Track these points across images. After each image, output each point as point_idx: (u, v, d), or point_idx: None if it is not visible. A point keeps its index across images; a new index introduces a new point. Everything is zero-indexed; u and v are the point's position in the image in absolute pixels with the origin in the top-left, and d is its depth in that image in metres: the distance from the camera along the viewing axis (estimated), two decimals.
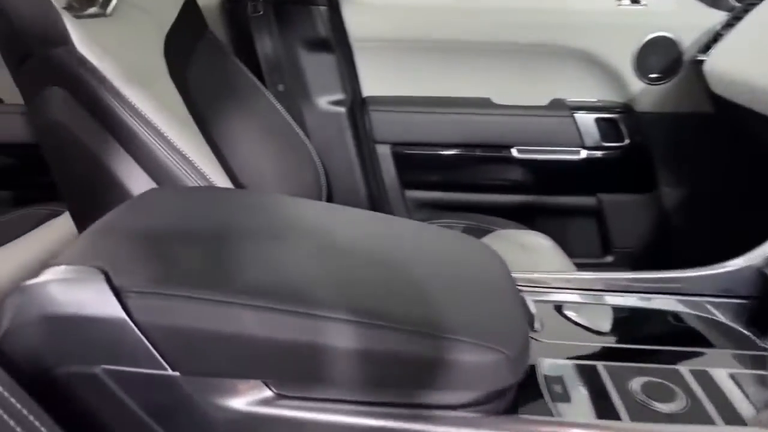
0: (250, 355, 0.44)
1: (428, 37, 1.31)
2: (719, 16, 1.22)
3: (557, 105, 1.32)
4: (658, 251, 1.36)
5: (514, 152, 1.32)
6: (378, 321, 0.44)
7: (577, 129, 1.30)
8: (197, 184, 0.75)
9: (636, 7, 1.27)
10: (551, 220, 1.38)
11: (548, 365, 0.56)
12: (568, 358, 0.57)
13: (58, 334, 0.43)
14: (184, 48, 1.08)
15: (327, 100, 1.30)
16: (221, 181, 0.85)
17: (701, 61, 1.20)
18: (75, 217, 0.76)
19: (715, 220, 1.33)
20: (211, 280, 0.45)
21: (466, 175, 1.36)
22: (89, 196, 0.73)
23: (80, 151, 0.71)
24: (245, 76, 1.19)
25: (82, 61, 0.72)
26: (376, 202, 1.36)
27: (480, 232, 1.18)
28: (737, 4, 1.22)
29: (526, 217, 1.36)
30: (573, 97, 1.32)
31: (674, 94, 1.27)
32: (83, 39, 0.75)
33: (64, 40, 0.71)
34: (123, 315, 0.43)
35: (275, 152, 1.19)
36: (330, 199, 1.30)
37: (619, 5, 1.28)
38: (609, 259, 1.38)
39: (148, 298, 0.43)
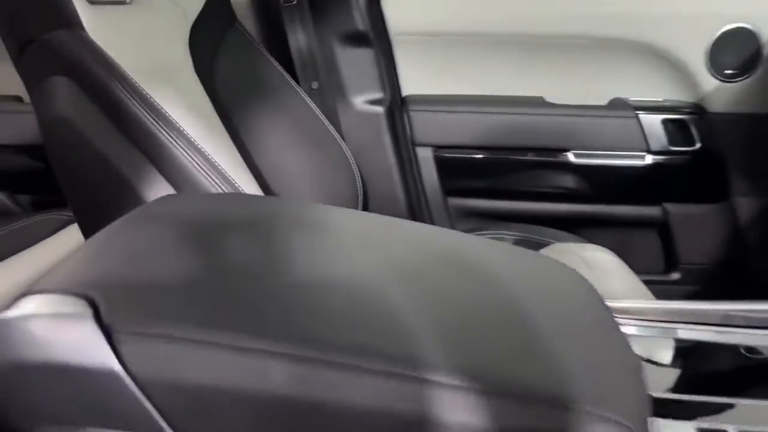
0: (283, 422, 0.32)
1: (475, 30, 1.19)
2: None
3: (619, 105, 1.19)
4: (731, 269, 1.22)
5: (570, 157, 1.19)
6: (498, 388, 0.32)
7: (642, 131, 1.16)
8: (222, 190, 0.64)
9: None
10: (610, 233, 1.25)
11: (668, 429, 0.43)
12: (689, 419, 0.45)
13: (33, 387, 0.33)
14: (210, 40, 0.98)
15: (364, 99, 1.20)
16: (249, 186, 0.75)
17: None
18: (82, 227, 0.67)
19: None
20: (235, 319, 0.34)
21: (515, 181, 1.24)
22: (97, 203, 0.64)
23: (87, 150, 0.62)
24: (276, 72, 1.09)
25: (93, 48, 0.63)
26: (416, 210, 1.25)
27: (533, 245, 1.06)
28: None
29: (581, 229, 1.24)
30: (636, 96, 1.19)
31: (753, 92, 1.13)
32: (96, 24, 0.66)
33: (74, 22, 0.61)
34: (115, 364, 0.32)
35: (308, 155, 1.09)
36: (366, 206, 1.19)
37: None
38: (675, 276, 1.24)
39: (148, 342, 0.33)
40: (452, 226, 1.26)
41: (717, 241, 1.21)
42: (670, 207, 1.20)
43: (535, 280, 0.48)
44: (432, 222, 1.26)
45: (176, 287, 0.36)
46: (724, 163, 1.17)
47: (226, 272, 0.39)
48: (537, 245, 1.05)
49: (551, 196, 1.24)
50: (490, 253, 0.51)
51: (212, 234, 0.43)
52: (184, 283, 0.36)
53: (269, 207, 0.52)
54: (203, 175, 0.64)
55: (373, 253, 0.44)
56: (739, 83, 1.13)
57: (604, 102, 1.21)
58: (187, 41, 0.91)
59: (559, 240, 1.08)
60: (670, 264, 1.24)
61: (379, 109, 1.20)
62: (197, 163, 0.64)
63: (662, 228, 1.22)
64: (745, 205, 1.18)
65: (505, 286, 0.43)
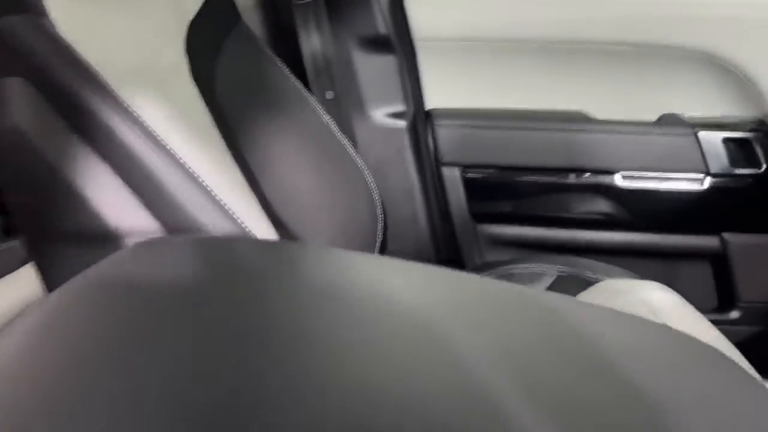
0: None
1: (509, 35, 1.06)
2: None
3: (672, 121, 1.05)
4: None
5: (617, 179, 1.05)
6: None
7: (701, 151, 1.02)
8: (219, 226, 0.50)
9: None
10: (660, 265, 1.10)
11: None
12: None
13: None
14: (210, 42, 0.85)
15: (385, 112, 1.06)
16: (253, 215, 0.61)
17: None
18: (41, 271, 0.52)
19: None
20: None
21: (552, 206, 1.09)
22: (57, 242, 0.49)
23: (46, 172, 0.48)
24: (286, 80, 0.95)
25: (58, 41, 0.49)
26: (441, 237, 1.10)
27: (580, 282, 0.91)
28: None
29: (627, 260, 1.09)
30: (690, 111, 1.05)
31: None
32: (65, 12, 0.52)
33: (33, 6, 0.47)
34: None
35: (320, 174, 0.94)
36: (385, 232, 1.05)
37: None
38: (734, 314, 1.09)
39: None
40: (482, 256, 1.12)
41: None
42: (729, 237, 1.05)
43: (681, 371, 0.33)
44: (458, 250, 1.11)
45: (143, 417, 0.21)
46: None
47: (233, 381, 0.24)
48: (584, 282, 0.91)
49: (593, 223, 1.09)
50: (609, 330, 0.37)
51: (212, 308, 0.29)
52: (159, 406, 0.21)
53: (280, 264, 0.37)
54: (197, 207, 0.50)
55: (442, 351, 0.29)
56: None
57: (653, 117, 1.07)
58: (183, 43, 0.77)
59: (609, 275, 0.94)
60: (728, 301, 1.09)
61: (402, 124, 1.06)
62: (189, 191, 0.51)
63: (720, 260, 1.08)
64: None
65: (650, 389, 0.29)
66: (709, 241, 1.07)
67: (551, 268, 0.97)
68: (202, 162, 0.56)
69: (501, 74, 1.09)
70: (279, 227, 0.74)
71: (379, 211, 1.01)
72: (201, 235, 0.47)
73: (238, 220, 0.54)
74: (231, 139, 0.70)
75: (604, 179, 1.06)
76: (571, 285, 0.90)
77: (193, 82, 0.73)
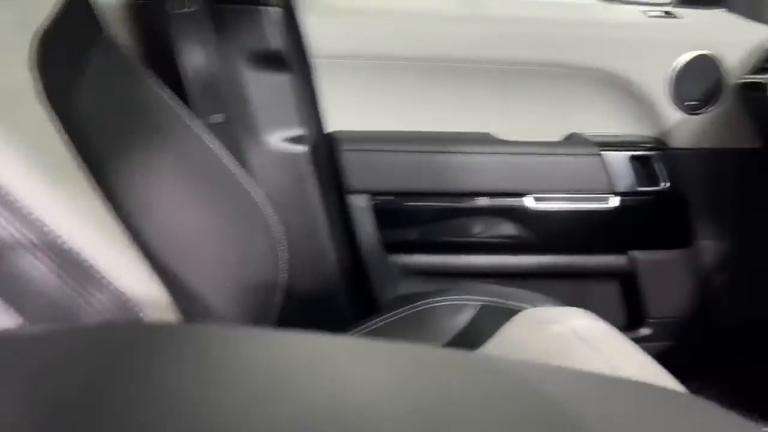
0: None
1: (413, 53, 1.00)
2: (764, 32, 0.99)
3: (577, 141, 1.04)
4: (699, 321, 1.09)
5: (528, 201, 1.02)
6: None
7: (606, 171, 1.02)
8: (95, 306, 0.37)
9: (669, 20, 1.03)
10: (571, 286, 1.08)
11: None
12: None
13: None
14: (67, 58, 0.69)
15: (281, 137, 0.95)
16: (136, 275, 0.48)
17: (748, 84, 0.97)
18: None
19: (763, 282, 1.08)
20: None
21: (466, 231, 1.04)
22: None
23: None
24: (162, 102, 0.81)
25: None
26: (350, 271, 1.01)
27: (503, 312, 0.85)
28: None
29: (541, 283, 1.06)
30: (594, 130, 1.05)
31: (715, 126, 1.02)
32: None
33: None
34: None
35: (210, 211, 0.81)
36: (288, 270, 0.93)
37: (650, 17, 1.03)
38: (644, 331, 1.09)
39: None
40: (395, 289, 1.03)
41: (687, 292, 1.08)
42: (636, 255, 1.06)
43: None
44: (370, 285, 1.02)
45: None
46: (690, 204, 1.05)
47: None
48: (509, 311, 0.85)
49: (506, 247, 1.05)
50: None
51: None
52: None
53: (174, 363, 0.26)
54: (50, 272, 0.37)
55: None
56: (702, 116, 1.02)
57: (559, 137, 1.05)
58: (31, 58, 0.62)
59: (529, 302, 0.89)
60: (638, 319, 1.10)
61: (301, 149, 0.95)
62: (38, 250, 0.37)
63: (628, 278, 1.08)
64: (708, 250, 1.06)
65: None
66: (617, 260, 1.06)
67: (473, 299, 0.90)
68: (59, 211, 0.43)
69: (407, 94, 1.02)
70: (168, 280, 0.60)
71: (279, 247, 0.89)
72: (57, 327, 0.34)
73: (116, 290, 0.41)
74: (98, 176, 0.56)
75: (514, 202, 1.02)
76: (495, 315, 0.84)
77: (46, 108, 0.58)
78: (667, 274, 1.07)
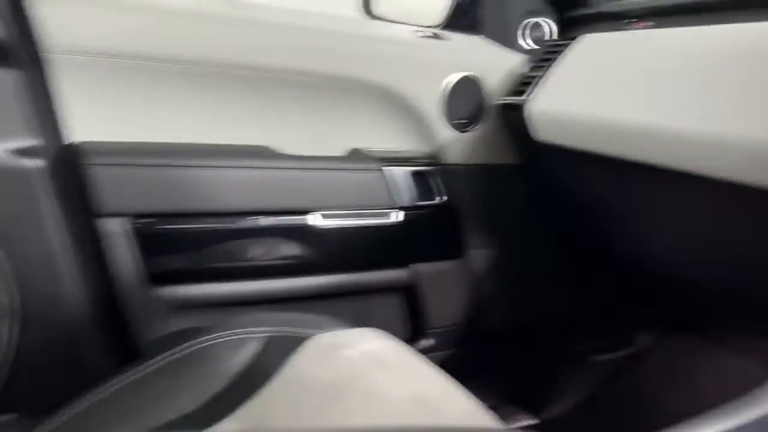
0: None
1: (176, 54, 0.88)
2: (517, 58, 1.09)
3: (360, 156, 1.02)
4: (472, 327, 1.15)
5: (311, 219, 0.96)
6: None
7: (388, 186, 1.01)
8: None
9: (438, 41, 1.07)
10: (358, 303, 1.05)
11: None
12: None
13: None
14: None
15: (6, 148, 0.75)
16: None
17: (508, 106, 1.05)
18: None
19: (524, 288, 1.18)
20: None
21: (246, 255, 0.94)
22: None
23: None
24: None
25: None
26: (104, 309, 0.84)
27: (292, 341, 0.78)
28: (534, 47, 1.11)
29: (327, 304, 1.01)
30: (376, 145, 1.04)
31: (482, 143, 1.09)
32: None
33: None
34: None
35: None
36: (26, 322, 0.74)
37: (420, 37, 1.06)
38: (426, 342, 1.11)
39: None
40: (163, 327, 0.89)
41: (462, 300, 1.12)
42: (417, 267, 1.07)
43: None
44: (130, 324, 0.86)
45: None
46: (462, 217, 1.10)
47: None
48: (298, 339, 0.78)
49: (292, 269, 0.98)
50: None
51: None
52: None
53: None
54: None
55: None
56: (469, 134, 1.08)
57: (342, 152, 1.02)
58: None
59: (319, 327, 0.83)
60: (420, 330, 1.11)
61: (33, 164, 0.77)
62: None
63: (410, 291, 1.08)
64: (477, 259, 1.12)
65: None
66: (400, 274, 1.06)
67: (257, 331, 0.81)
68: None
69: (169, 102, 0.90)
70: None
71: (9, 287, 0.70)
72: None
73: None
74: None
75: (298, 220, 0.96)
76: (283, 346, 0.76)
77: None
78: (444, 284, 1.10)
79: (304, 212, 0.96)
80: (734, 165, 0.68)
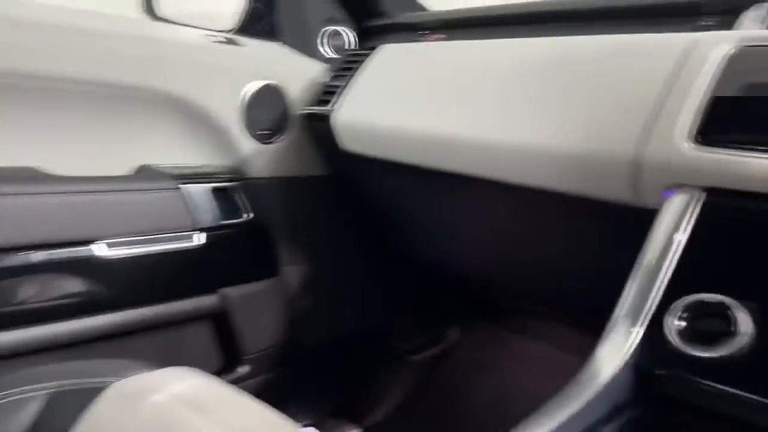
0: None
1: None
2: (318, 67, 1.08)
3: (152, 174, 0.91)
4: (290, 347, 1.10)
5: (97, 250, 0.83)
6: None
7: (186, 206, 0.92)
8: None
9: (233, 47, 1.01)
10: (162, 338, 0.94)
11: None
12: None
13: None
14: None
15: None
16: None
17: (313, 115, 1.03)
18: None
19: (339, 298, 1.17)
20: None
21: (14, 298, 0.78)
22: None
23: None
24: None
25: None
26: None
27: (84, 394, 0.66)
28: (334, 55, 1.11)
29: (127, 345, 0.89)
30: (169, 161, 0.94)
31: (287, 154, 1.05)
32: None
33: None
34: None
35: None
36: None
37: (213, 42, 0.98)
38: (243, 370, 1.04)
39: None
40: None
41: (279, 321, 1.07)
42: (227, 291, 0.99)
43: None
44: None
45: None
46: (272, 233, 1.05)
47: None
48: (92, 391, 0.66)
49: (75, 309, 0.84)
50: None
51: None
52: None
53: None
54: None
55: None
56: (274, 145, 1.03)
57: (128, 170, 0.91)
58: None
59: (117, 374, 0.71)
60: (235, 358, 1.03)
61: None
62: None
63: (221, 318, 1.00)
64: (293, 276, 1.09)
65: None
66: (208, 301, 0.98)
67: (37, 387, 0.67)
68: None
69: None
70: None
71: None
72: None
73: None
74: None
75: (79, 251, 0.82)
76: (72, 400, 0.64)
77: None
78: (257, 306, 1.04)
79: (88, 242, 0.83)
80: (525, 170, 0.73)
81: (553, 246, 0.80)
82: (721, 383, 0.45)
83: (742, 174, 0.50)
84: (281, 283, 1.07)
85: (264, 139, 1.02)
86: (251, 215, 1.00)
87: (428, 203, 0.99)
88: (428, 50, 0.95)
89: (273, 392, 1.05)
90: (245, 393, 0.67)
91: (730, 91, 0.54)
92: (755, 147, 0.49)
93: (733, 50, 0.57)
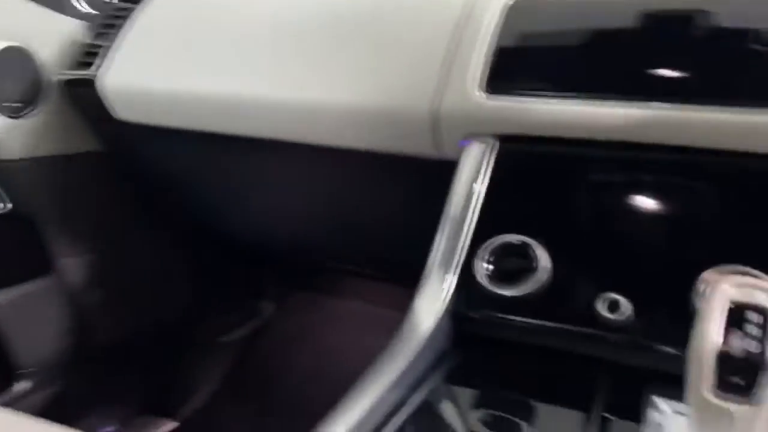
0: None
1: None
2: (73, 24, 0.92)
3: None
4: (82, 349, 0.97)
5: None
6: None
7: None
8: None
9: None
10: None
11: None
12: None
13: None
14: None
15: None
16: None
17: (74, 81, 0.89)
18: None
19: (134, 288, 1.05)
20: None
21: None
22: None
23: None
24: None
25: None
26: None
27: None
28: (91, 11, 0.95)
29: None
30: None
31: (46, 130, 0.89)
32: None
33: None
34: None
35: None
36: None
37: None
38: (21, 386, 0.88)
39: None
40: None
41: (63, 323, 0.93)
42: None
43: None
44: None
45: None
46: (40, 224, 0.89)
47: None
48: None
49: None
50: None
51: None
52: None
53: None
54: None
55: None
56: (29, 119, 0.87)
57: None
58: None
59: None
60: (10, 374, 0.87)
61: None
62: None
63: None
64: (73, 270, 0.95)
65: None
66: None
67: None
68: None
69: None
70: None
71: None
72: None
73: None
74: None
75: None
76: None
77: None
78: (31, 310, 0.89)
79: None
80: (324, 131, 0.70)
81: (363, 205, 0.79)
82: (526, 317, 0.48)
83: (528, 120, 0.53)
84: (58, 280, 0.92)
85: (14, 112, 0.84)
86: (9, 206, 0.83)
87: (223, 172, 0.92)
88: (208, 2, 0.86)
89: (63, 405, 0.92)
90: (23, 414, 0.56)
91: (512, 42, 0.57)
92: (538, 94, 0.53)
93: (511, 1, 0.60)
